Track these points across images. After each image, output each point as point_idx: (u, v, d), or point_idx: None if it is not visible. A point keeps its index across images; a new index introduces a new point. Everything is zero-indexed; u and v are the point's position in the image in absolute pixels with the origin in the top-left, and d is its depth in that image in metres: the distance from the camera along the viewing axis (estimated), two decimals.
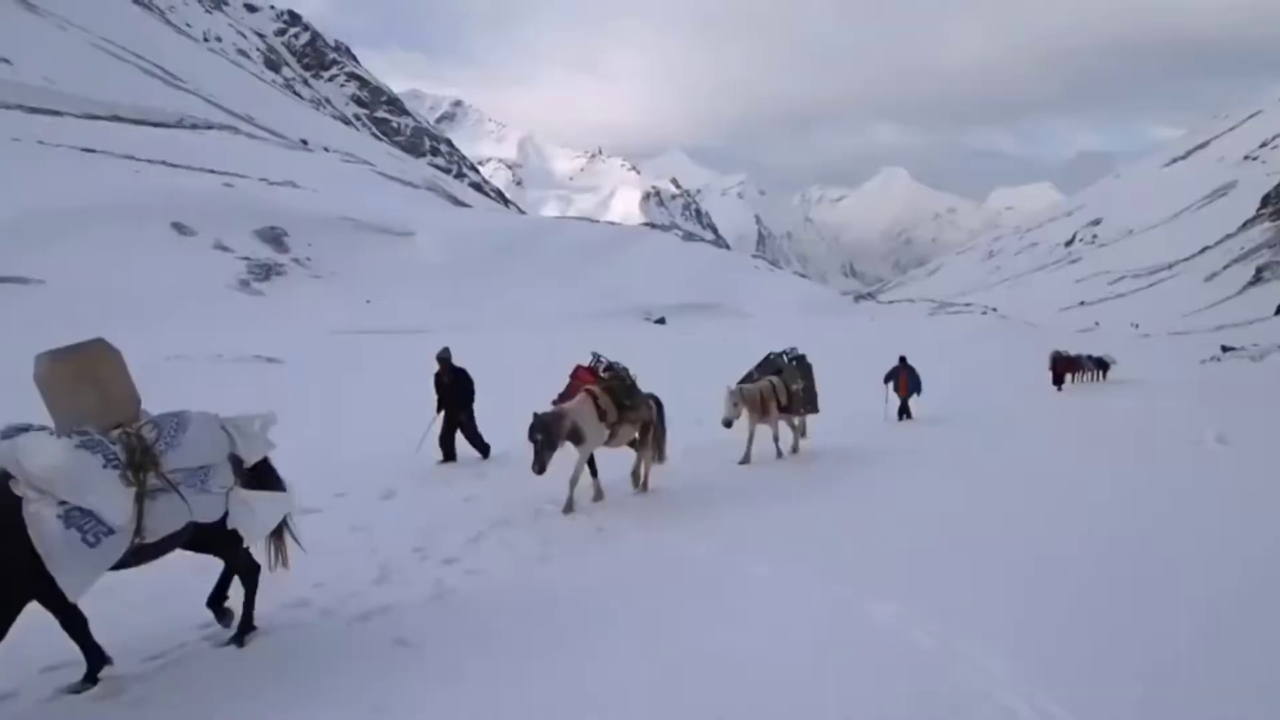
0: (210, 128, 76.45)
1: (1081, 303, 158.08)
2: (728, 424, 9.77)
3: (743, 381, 11.05)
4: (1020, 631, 4.91)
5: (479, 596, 5.56)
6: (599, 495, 8.22)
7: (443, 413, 10.37)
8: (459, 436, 10.43)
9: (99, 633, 4.22)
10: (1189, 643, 4.83)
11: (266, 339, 26.18)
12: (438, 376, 10.49)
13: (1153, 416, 18.07)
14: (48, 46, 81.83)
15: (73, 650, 4.35)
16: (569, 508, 7.75)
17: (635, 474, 8.75)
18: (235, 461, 4.62)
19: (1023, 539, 6.97)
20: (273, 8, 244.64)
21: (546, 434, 7.29)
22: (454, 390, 10.34)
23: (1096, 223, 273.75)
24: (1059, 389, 25.23)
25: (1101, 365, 32.70)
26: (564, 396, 8.52)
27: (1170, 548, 6.82)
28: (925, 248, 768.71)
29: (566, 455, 7.81)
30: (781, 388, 10.73)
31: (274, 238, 48.46)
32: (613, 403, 8.11)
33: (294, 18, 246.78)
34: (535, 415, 7.43)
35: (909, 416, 15.76)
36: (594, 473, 8.25)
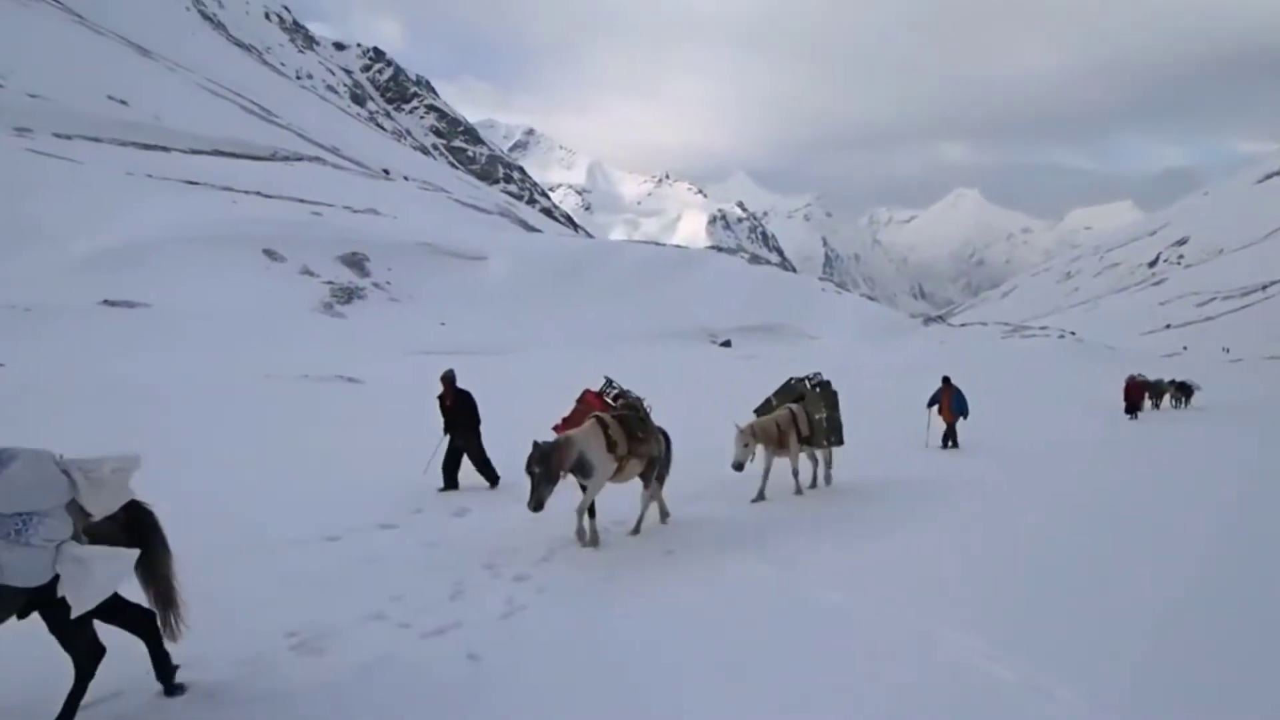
0: (300, 159, 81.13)
1: (1167, 326, 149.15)
2: (738, 467, 8.76)
3: (760, 409, 10.21)
4: (1101, 668, 4.73)
5: (549, 614, 5.66)
6: (595, 540, 7.36)
7: (447, 438, 9.92)
8: (460, 462, 9.74)
9: (193, 639, 4.47)
10: None
11: (348, 359, 27.39)
12: (441, 398, 10.02)
13: (1240, 446, 16.94)
14: (158, 88, 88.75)
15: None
16: (594, 540, 7.23)
17: (662, 511, 8.21)
18: (78, 513, 3.79)
19: (1094, 571, 6.75)
20: (359, 46, 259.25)
21: (546, 466, 6.64)
22: (455, 413, 9.83)
23: (1183, 242, 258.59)
24: (1133, 417, 23.85)
25: (1184, 391, 30.72)
26: (568, 422, 8.06)
27: (1260, 590, 6.37)
28: (998, 269, 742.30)
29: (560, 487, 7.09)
30: (803, 416, 9.74)
31: (356, 263, 50.81)
32: (624, 434, 7.41)
33: (378, 54, 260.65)
34: (535, 445, 6.75)
35: (954, 444, 14.88)
36: (591, 514, 7.41)
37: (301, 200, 59.83)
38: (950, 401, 14.94)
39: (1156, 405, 28.90)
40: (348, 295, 46.70)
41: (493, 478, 9.94)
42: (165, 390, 17.11)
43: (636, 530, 7.89)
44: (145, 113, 74.65)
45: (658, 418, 8.30)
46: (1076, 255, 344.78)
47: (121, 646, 4.62)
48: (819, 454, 10.48)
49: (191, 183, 55.94)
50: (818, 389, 10.32)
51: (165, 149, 65.02)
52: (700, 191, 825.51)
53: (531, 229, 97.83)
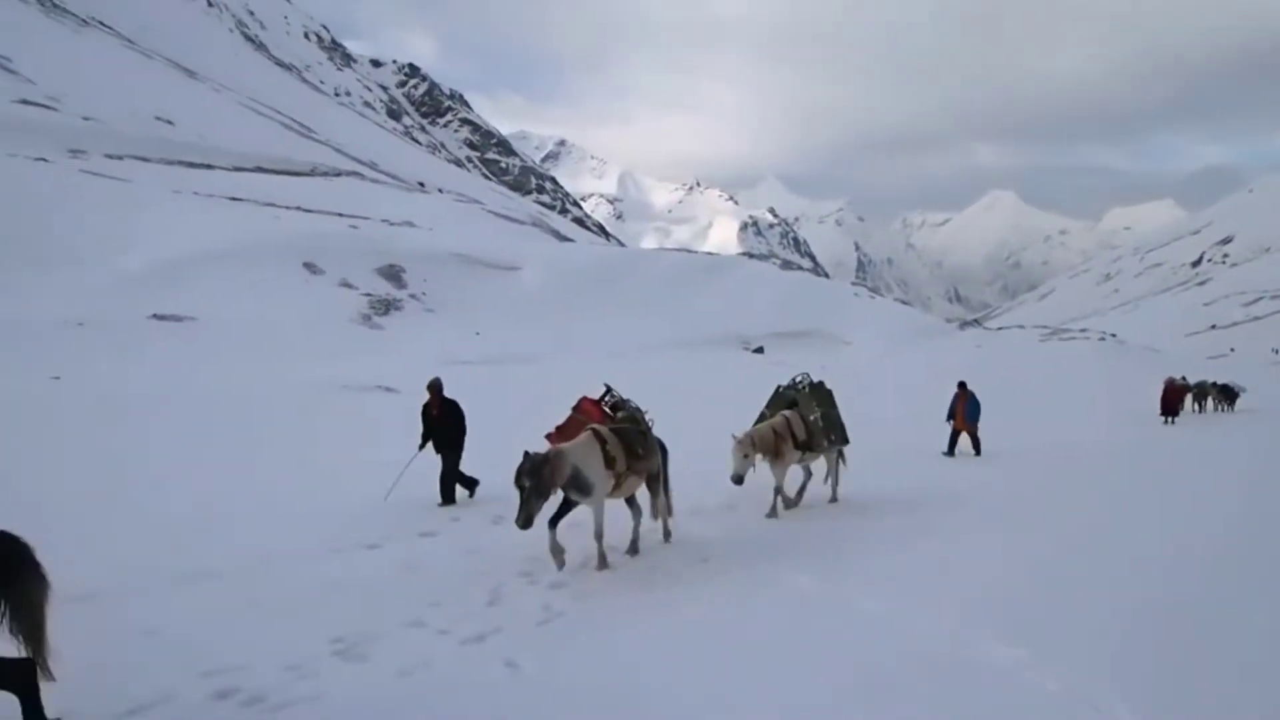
0: (339, 175, 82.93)
1: (1212, 326, 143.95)
2: (738, 480, 8.31)
3: (757, 423, 9.68)
4: (1147, 677, 4.66)
5: (585, 621, 5.71)
6: (634, 548, 7.39)
7: (430, 449, 9.64)
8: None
9: (240, 644, 4.59)
10: None
11: (385, 369, 27.87)
12: (426, 408, 9.72)
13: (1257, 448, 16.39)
14: (204, 108, 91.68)
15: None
16: (602, 563, 6.92)
17: (637, 534, 7.61)
18: None
19: (1110, 577, 6.74)
20: (394, 62, 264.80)
21: (537, 479, 6.18)
22: (441, 423, 9.56)
23: (1227, 240, 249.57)
24: (1169, 421, 23.01)
25: (1228, 394, 29.57)
26: (562, 430, 7.66)
27: None
28: (1035, 271, 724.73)
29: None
30: (798, 421, 9.35)
31: (393, 275, 51.69)
32: (623, 449, 6.92)
33: (414, 70, 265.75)
34: (526, 455, 6.31)
35: (952, 452, 14.53)
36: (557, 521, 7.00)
37: (340, 214, 61.14)
38: (965, 408, 14.70)
39: (1199, 409, 27.93)
40: (385, 307, 47.52)
41: (470, 485, 9.74)
42: (210, 401, 17.63)
43: (666, 538, 7.91)
44: (191, 132, 77.11)
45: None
46: (1116, 256, 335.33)
47: (167, 649, 4.76)
48: (824, 462, 9.99)
49: (235, 199, 57.59)
50: (807, 389, 10.08)
51: (210, 167, 67.05)
52: (731, 198, 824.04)
53: (564, 239, 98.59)
